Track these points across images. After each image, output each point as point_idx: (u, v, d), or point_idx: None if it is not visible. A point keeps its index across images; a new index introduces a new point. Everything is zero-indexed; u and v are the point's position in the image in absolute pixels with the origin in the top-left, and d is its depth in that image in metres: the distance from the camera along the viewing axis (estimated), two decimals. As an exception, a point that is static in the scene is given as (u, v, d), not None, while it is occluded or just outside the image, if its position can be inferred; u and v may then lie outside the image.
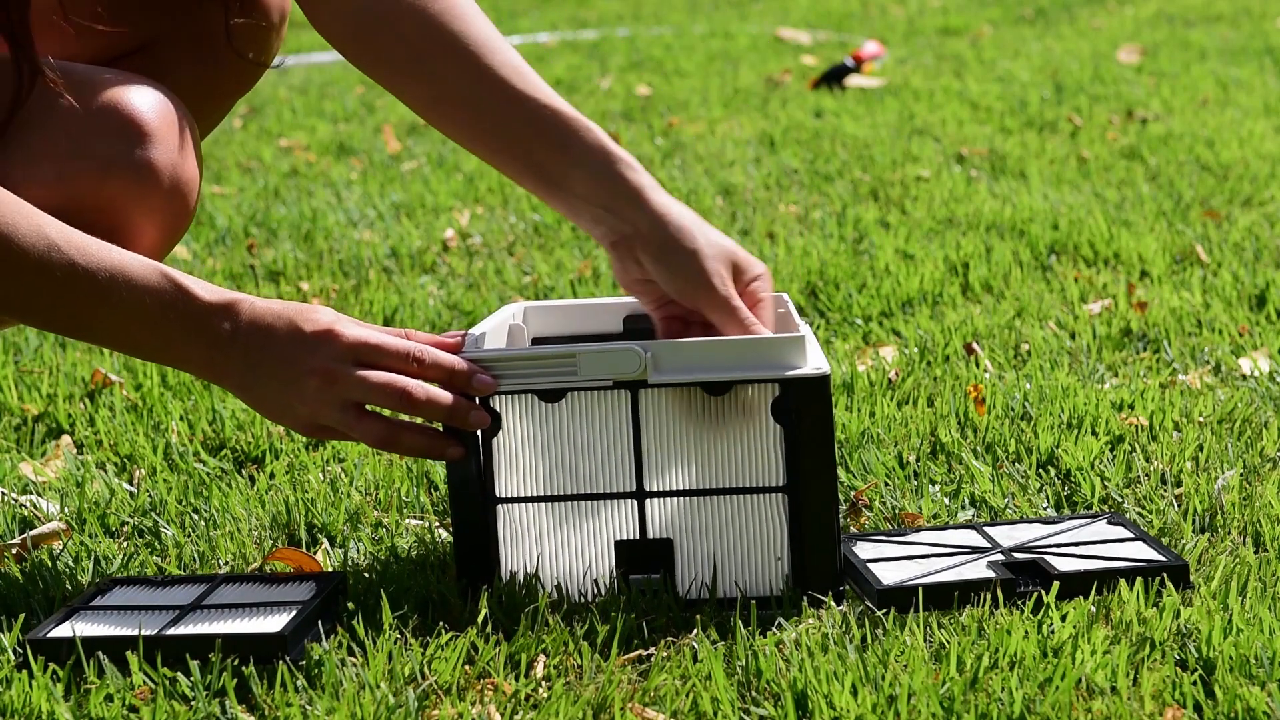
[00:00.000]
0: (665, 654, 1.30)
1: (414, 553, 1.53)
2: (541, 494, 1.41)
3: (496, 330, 1.53)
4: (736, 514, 1.40)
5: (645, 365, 1.38)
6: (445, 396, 1.38)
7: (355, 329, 1.37)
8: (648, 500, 1.40)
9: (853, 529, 1.60)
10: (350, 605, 1.41)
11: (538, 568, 1.41)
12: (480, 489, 1.40)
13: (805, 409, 1.38)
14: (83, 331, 1.37)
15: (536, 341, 1.62)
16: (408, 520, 1.61)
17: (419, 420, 1.42)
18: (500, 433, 1.40)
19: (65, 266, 1.32)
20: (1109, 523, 1.53)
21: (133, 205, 1.43)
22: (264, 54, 1.62)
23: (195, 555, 1.57)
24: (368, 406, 1.37)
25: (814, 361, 1.39)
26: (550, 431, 1.40)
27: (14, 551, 1.58)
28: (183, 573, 1.54)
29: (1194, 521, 1.57)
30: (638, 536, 1.41)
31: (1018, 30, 5.65)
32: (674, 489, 1.40)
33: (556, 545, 1.42)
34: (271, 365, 1.35)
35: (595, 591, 1.41)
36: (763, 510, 1.40)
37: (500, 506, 1.41)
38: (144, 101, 1.44)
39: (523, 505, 1.41)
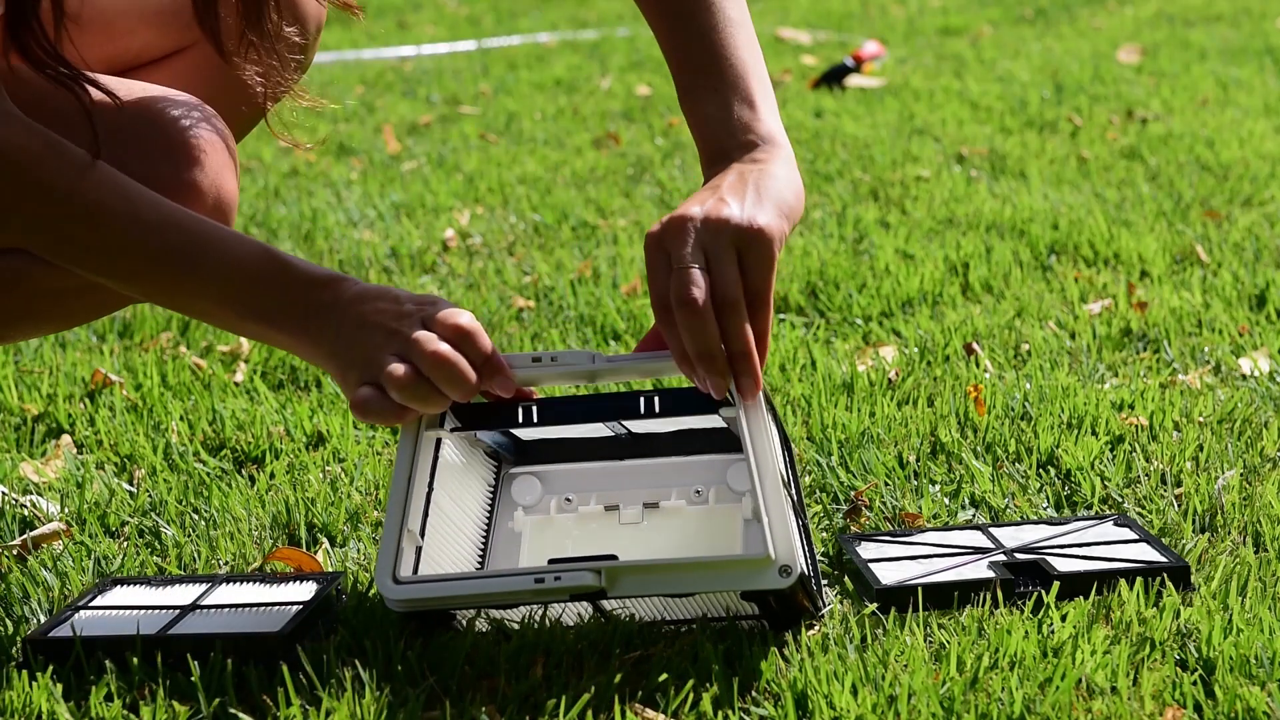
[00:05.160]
0: (665, 654, 1.30)
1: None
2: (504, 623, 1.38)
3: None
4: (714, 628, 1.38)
5: (602, 583, 1.30)
6: (472, 375, 1.35)
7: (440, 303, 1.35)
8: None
9: (853, 529, 1.60)
10: (350, 605, 1.41)
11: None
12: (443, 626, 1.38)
13: (778, 596, 1.32)
14: (178, 302, 1.38)
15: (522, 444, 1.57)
16: (408, 520, 1.61)
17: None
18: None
19: (174, 238, 1.33)
20: (1115, 524, 1.53)
21: None
22: (301, 66, 1.62)
23: (195, 555, 1.57)
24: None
25: (781, 554, 1.28)
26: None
27: (14, 551, 1.58)
28: (183, 573, 1.54)
29: (1194, 521, 1.57)
30: None
31: (1018, 30, 5.65)
32: (646, 621, 1.38)
33: None
34: (362, 331, 1.34)
35: None
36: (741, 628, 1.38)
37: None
38: (188, 123, 1.45)
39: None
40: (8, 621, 1.41)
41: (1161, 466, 1.70)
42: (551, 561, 1.34)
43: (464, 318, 1.34)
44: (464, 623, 1.36)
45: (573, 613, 1.38)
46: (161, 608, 1.39)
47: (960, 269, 2.54)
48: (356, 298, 1.35)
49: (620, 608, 1.36)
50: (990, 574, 1.41)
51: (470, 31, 6.19)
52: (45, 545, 1.60)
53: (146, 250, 1.34)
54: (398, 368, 1.31)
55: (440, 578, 1.33)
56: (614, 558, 1.31)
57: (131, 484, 1.78)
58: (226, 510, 1.66)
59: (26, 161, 1.32)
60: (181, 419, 1.97)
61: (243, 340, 2.28)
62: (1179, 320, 2.23)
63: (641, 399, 1.41)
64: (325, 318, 1.35)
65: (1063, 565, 1.43)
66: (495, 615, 1.37)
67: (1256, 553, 1.49)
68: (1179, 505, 1.61)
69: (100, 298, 1.50)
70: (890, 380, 2.02)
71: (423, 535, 1.37)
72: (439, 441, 1.41)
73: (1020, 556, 1.45)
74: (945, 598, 1.38)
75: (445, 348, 1.32)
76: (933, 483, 1.69)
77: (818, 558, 1.46)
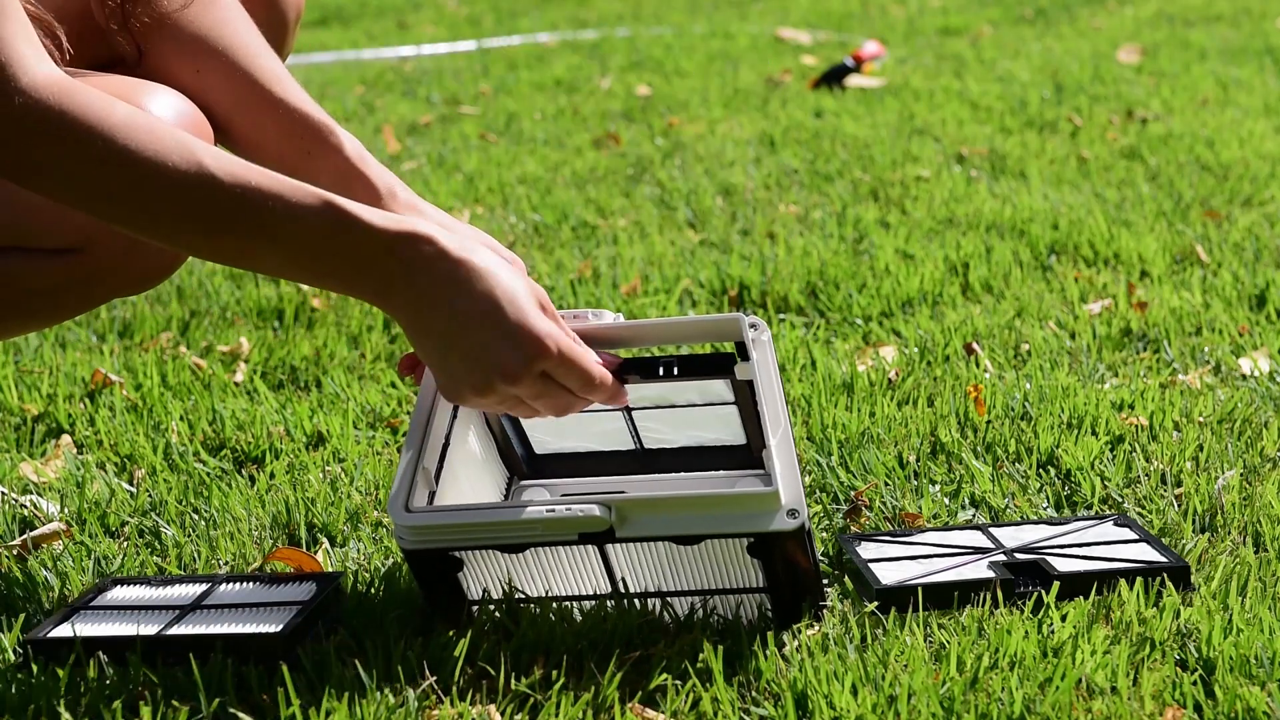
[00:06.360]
0: (665, 654, 1.30)
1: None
2: (514, 595, 1.39)
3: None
4: (717, 602, 1.38)
5: (611, 523, 1.32)
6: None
7: (564, 343, 1.30)
8: (625, 600, 1.39)
9: (853, 529, 1.60)
10: (350, 605, 1.41)
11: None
12: (451, 593, 1.39)
13: (782, 549, 1.33)
14: (247, 263, 1.30)
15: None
16: (408, 520, 1.61)
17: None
18: (465, 567, 1.37)
19: (221, 197, 1.25)
20: (1115, 524, 1.53)
21: None
22: (280, 54, 1.62)
23: (195, 555, 1.57)
24: None
25: (788, 498, 1.31)
26: (517, 565, 1.37)
27: (14, 551, 1.58)
28: (183, 573, 1.54)
29: (1194, 521, 1.57)
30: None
31: (1018, 30, 5.65)
32: (652, 590, 1.38)
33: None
34: (463, 339, 1.28)
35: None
36: (745, 600, 1.38)
37: (472, 606, 1.40)
38: (172, 112, 1.43)
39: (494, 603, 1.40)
40: (8, 621, 1.41)
41: (1161, 466, 1.70)
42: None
43: (583, 377, 1.31)
44: (475, 591, 1.37)
45: (578, 607, 1.38)
46: (161, 608, 1.39)
47: (960, 269, 2.54)
48: (448, 287, 1.28)
49: (627, 572, 1.36)
50: (990, 574, 1.41)
51: (470, 31, 6.19)
52: (45, 545, 1.60)
53: (210, 208, 1.26)
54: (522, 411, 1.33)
55: (452, 507, 1.32)
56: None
57: (131, 484, 1.78)
58: (226, 510, 1.66)
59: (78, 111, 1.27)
60: (181, 419, 1.97)
61: (243, 340, 2.28)
62: (1179, 320, 2.23)
63: (660, 364, 1.42)
64: (404, 289, 1.28)
65: (1063, 565, 1.43)
66: (507, 587, 1.37)
67: (1256, 553, 1.49)
68: (1179, 505, 1.61)
69: (80, 295, 1.48)
70: (890, 380, 2.02)
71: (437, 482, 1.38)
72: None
73: (1020, 556, 1.45)
74: (945, 598, 1.38)
75: (564, 403, 1.32)
76: (933, 483, 1.69)
77: (818, 558, 1.46)
